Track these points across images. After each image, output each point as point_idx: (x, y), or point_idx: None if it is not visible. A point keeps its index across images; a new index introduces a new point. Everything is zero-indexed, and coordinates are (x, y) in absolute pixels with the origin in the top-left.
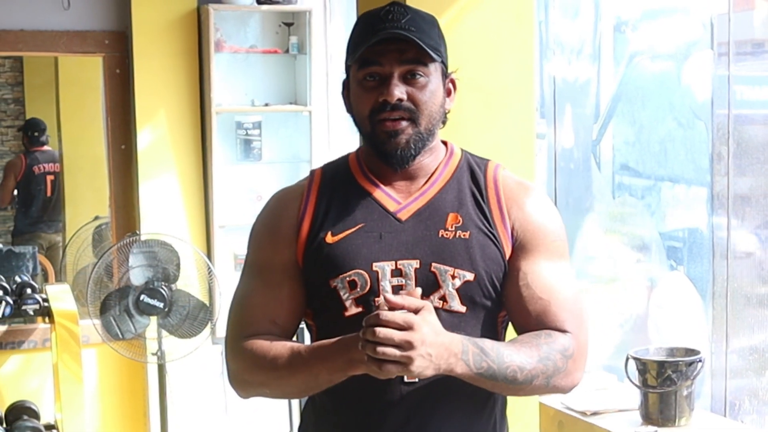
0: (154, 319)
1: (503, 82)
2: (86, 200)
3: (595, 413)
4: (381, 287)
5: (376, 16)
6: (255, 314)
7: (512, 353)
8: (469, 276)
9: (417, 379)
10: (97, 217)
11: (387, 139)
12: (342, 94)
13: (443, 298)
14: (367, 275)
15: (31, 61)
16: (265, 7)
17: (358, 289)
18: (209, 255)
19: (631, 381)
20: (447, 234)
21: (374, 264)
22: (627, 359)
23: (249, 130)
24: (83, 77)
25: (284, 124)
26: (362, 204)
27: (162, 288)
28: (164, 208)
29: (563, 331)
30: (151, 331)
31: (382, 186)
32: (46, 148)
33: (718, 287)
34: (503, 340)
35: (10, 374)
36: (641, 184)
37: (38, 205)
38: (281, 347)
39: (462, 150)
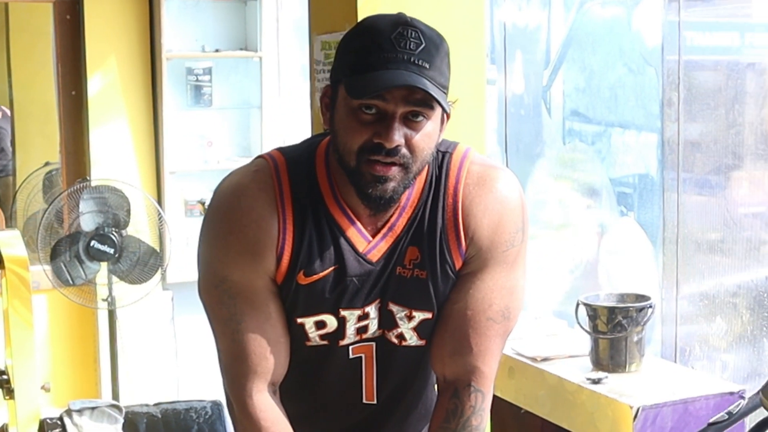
0: (104, 265)
1: (453, 28)
2: (37, 146)
3: (545, 359)
4: (346, 331)
5: (386, 38)
6: (253, 349)
7: None
8: (428, 315)
9: (375, 401)
10: (47, 163)
11: (373, 183)
12: (321, 101)
13: (400, 336)
14: (334, 319)
15: None
16: None
17: (326, 329)
18: (160, 201)
19: (581, 327)
20: (405, 272)
21: (342, 311)
22: (577, 305)
23: (199, 76)
24: (33, 23)
25: (235, 70)
26: (334, 242)
27: (112, 234)
28: (115, 154)
29: (466, 362)
30: (101, 277)
31: (353, 219)
32: None
33: (668, 233)
34: None
35: None
36: (591, 130)
37: None
38: None
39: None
